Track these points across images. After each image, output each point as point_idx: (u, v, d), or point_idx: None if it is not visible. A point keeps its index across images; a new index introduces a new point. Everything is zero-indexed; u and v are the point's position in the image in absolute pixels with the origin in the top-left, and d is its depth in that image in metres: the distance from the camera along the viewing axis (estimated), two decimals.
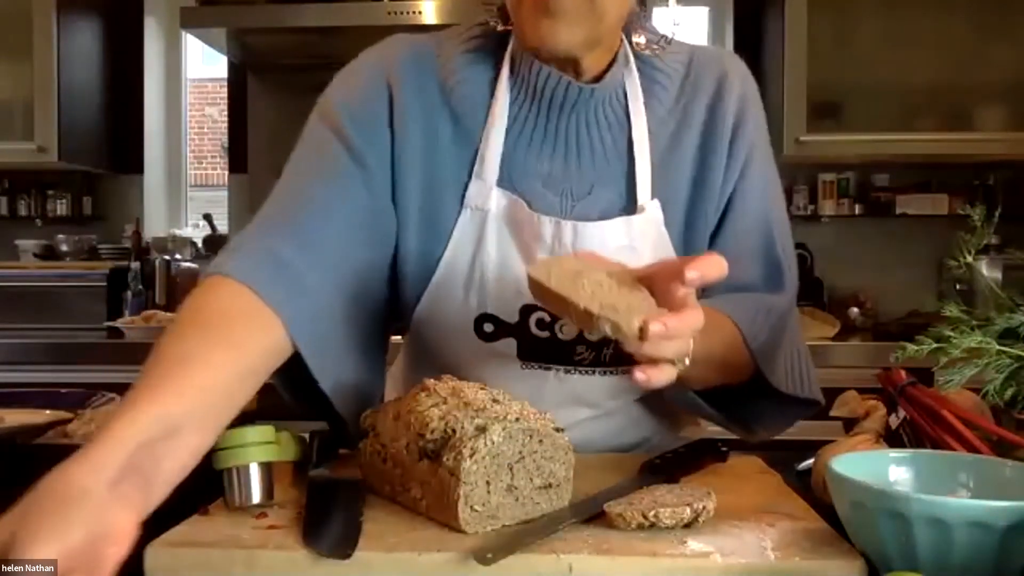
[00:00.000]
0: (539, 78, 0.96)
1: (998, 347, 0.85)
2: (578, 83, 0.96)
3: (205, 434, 0.71)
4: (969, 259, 0.93)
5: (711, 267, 0.71)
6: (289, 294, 0.86)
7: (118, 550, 0.57)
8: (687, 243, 1.02)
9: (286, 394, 0.97)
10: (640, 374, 0.70)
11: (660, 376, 0.70)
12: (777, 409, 1.01)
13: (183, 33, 3.28)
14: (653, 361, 0.70)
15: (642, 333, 0.67)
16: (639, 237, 0.98)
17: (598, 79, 0.97)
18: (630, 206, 1.00)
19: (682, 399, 1.00)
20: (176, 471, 0.66)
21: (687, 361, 0.72)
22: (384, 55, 1.02)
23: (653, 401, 1.08)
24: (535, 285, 0.75)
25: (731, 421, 1.03)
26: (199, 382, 0.71)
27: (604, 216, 0.99)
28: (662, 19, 1.04)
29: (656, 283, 0.74)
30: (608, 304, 0.70)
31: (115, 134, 3.19)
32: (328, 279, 0.92)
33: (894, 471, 0.72)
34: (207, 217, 3.26)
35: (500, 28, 0.98)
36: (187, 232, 3.37)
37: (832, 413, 0.98)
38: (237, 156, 3.26)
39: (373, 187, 0.97)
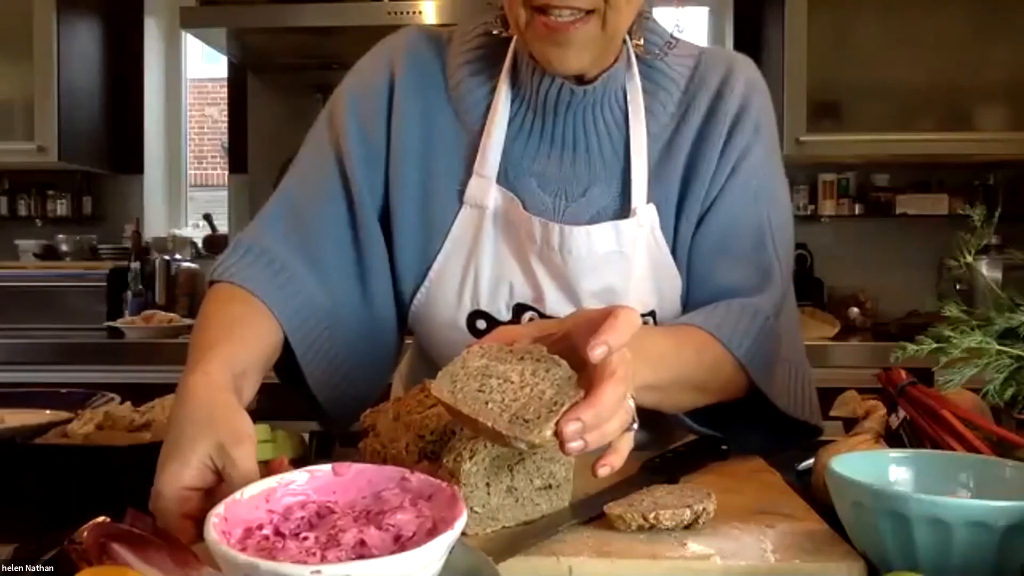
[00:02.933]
0: (534, 80, 0.97)
1: (998, 347, 0.85)
2: (571, 85, 0.96)
3: (257, 380, 0.83)
4: (969, 259, 0.92)
5: (619, 333, 0.65)
6: (282, 292, 0.92)
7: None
8: (676, 244, 1.00)
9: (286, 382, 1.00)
10: (601, 470, 0.67)
11: (617, 458, 0.67)
12: (770, 436, 0.98)
13: (183, 33, 3.29)
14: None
15: (560, 436, 0.62)
16: (628, 243, 0.97)
17: (595, 80, 0.97)
18: (623, 210, 0.99)
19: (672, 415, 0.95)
20: (247, 401, 0.79)
21: (635, 425, 0.68)
22: (391, 44, 1.05)
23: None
24: (444, 406, 0.68)
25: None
26: (252, 338, 0.86)
27: (596, 219, 0.98)
28: (663, 18, 1.03)
29: (577, 339, 0.69)
30: (519, 410, 0.63)
31: (115, 134, 3.19)
32: (319, 279, 0.96)
33: (894, 471, 0.72)
34: (207, 217, 3.26)
35: (502, 34, 0.98)
36: (187, 232, 3.37)
37: (832, 413, 0.97)
38: (237, 156, 3.26)
39: (361, 205, 0.99)
